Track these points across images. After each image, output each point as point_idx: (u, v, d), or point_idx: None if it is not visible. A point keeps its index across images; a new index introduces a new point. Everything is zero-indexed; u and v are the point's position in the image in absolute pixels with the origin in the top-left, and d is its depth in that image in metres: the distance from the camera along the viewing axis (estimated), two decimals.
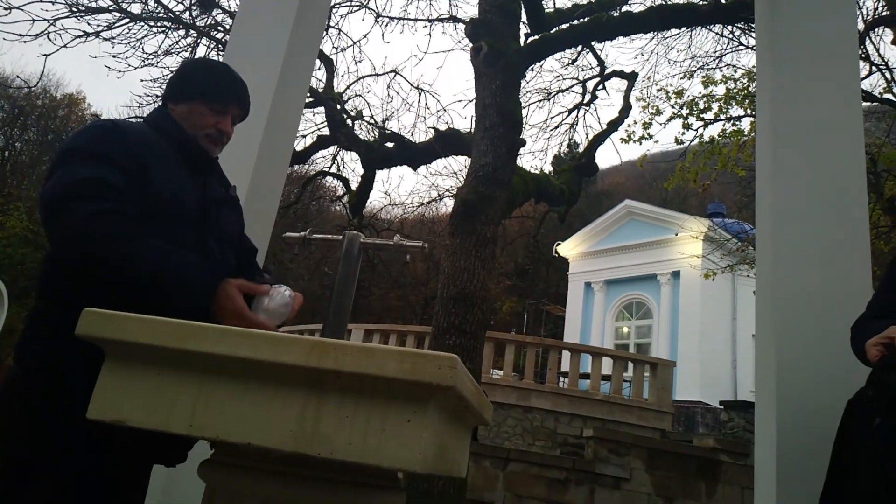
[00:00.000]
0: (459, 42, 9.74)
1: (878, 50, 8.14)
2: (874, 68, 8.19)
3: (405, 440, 0.96)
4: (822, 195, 2.44)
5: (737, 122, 8.87)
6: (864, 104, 8.45)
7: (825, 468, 1.99)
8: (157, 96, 8.52)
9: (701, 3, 7.21)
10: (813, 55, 2.63)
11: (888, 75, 8.20)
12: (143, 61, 8.10)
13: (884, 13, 8.12)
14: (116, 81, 34.43)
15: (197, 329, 1.03)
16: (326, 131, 9.15)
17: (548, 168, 12.67)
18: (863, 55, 8.00)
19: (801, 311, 2.33)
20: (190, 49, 8.47)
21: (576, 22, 6.96)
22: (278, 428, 0.98)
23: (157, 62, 8.31)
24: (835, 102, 2.54)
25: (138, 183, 1.43)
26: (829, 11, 2.72)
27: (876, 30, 8.27)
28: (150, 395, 1.05)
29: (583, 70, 9.67)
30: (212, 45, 8.59)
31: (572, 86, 9.89)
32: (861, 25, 7.87)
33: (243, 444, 0.98)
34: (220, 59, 3.00)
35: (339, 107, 9.01)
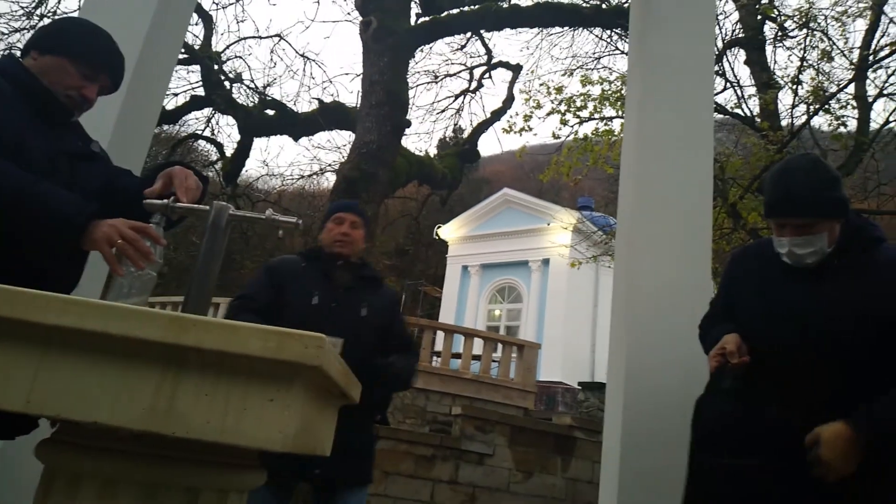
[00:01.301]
0: (349, 14, 9.53)
1: (732, 69, 8.99)
2: (728, 84, 9.02)
3: (267, 419, 0.94)
4: (674, 195, 2.67)
5: (609, 123, 9.40)
6: (718, 117, 9.31)
7: (665, 444, 2.20)
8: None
9: (584, 5, 7.55)
10: (675, 68, 2.86)
11: (739, 92, 9.08)
12: None
13: (739, 35, 8.97)
14: None
15: (38, 298, 0.94)
16: (201, 92, 8.60)
17: (433, 151, 12.78)
18: (720, 72, 8.78)
19: (649, 300, 2.55)
20: None
21: (466, 8, 7.04)
22: (129, 406, 0.92)
23: None
24: (690, 113, 2.79)
25: None
26: (692, 30, 2.97)
27: (732, 49, 9.11)
28: None
29: (471, 57, 9.84)
30: None
31: (460, 71, 10.04)
32: (720, 45, 8.64)
33: (88, 422, 0.92)
34: None
35: (216, 67, 8.49)
